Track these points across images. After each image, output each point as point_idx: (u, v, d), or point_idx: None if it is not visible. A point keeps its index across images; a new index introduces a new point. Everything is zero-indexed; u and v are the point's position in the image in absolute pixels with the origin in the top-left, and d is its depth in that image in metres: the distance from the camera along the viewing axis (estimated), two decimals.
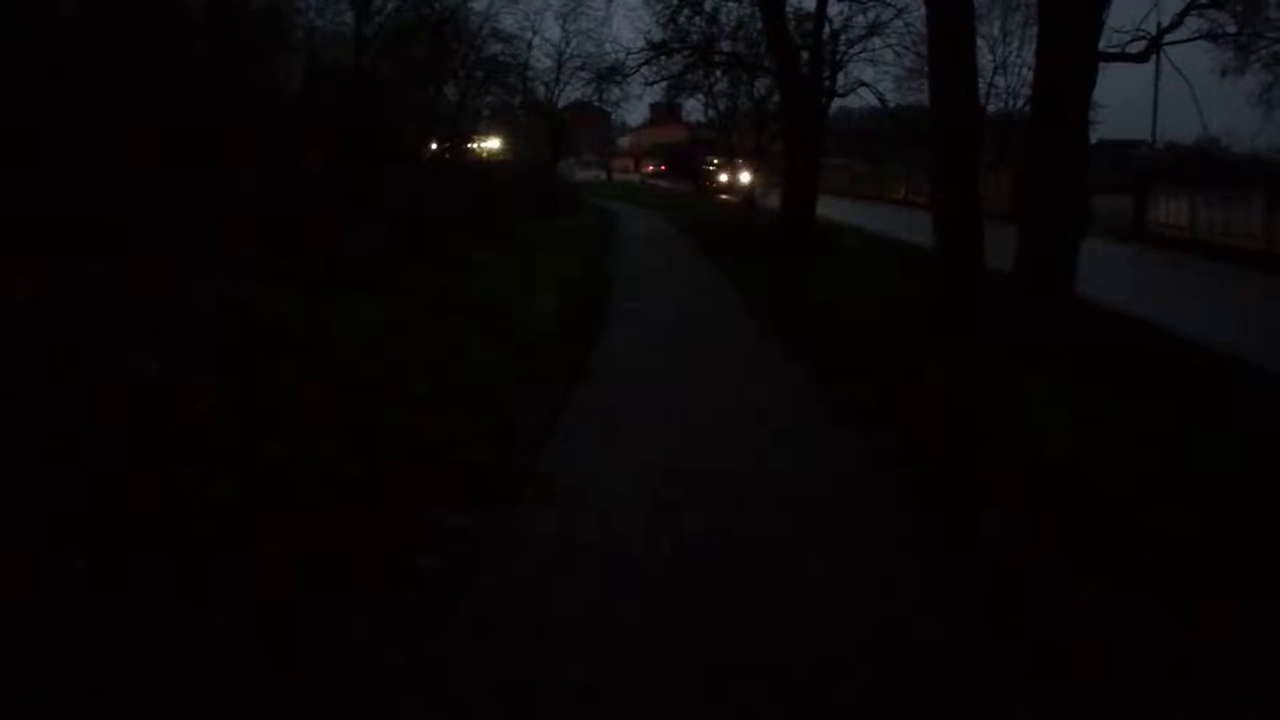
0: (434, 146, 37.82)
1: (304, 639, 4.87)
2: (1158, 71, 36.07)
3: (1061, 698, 4.60)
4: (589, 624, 5.27)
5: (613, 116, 70.21)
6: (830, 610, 5.53)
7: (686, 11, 34.40)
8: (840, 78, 34.11)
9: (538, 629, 5.19)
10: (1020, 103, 47.48)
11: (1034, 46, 15.31)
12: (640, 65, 35.53)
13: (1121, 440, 8.74)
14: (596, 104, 52.78)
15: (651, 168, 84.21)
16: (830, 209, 34.25)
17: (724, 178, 59.60)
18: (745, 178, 53.20)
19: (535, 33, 55.26)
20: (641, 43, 35.18)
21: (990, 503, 7.13)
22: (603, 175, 76.59)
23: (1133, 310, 16.88)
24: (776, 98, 37.47)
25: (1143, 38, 17.88)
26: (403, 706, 4.39)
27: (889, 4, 32.79)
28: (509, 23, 66.19)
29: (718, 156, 61.95)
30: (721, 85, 47.14)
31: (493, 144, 53.29)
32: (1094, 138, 47.95)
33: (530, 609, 5.43)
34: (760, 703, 4.50)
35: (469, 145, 45.37)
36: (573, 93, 50.92)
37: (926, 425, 9.26)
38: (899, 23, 33.73)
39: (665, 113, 76.33)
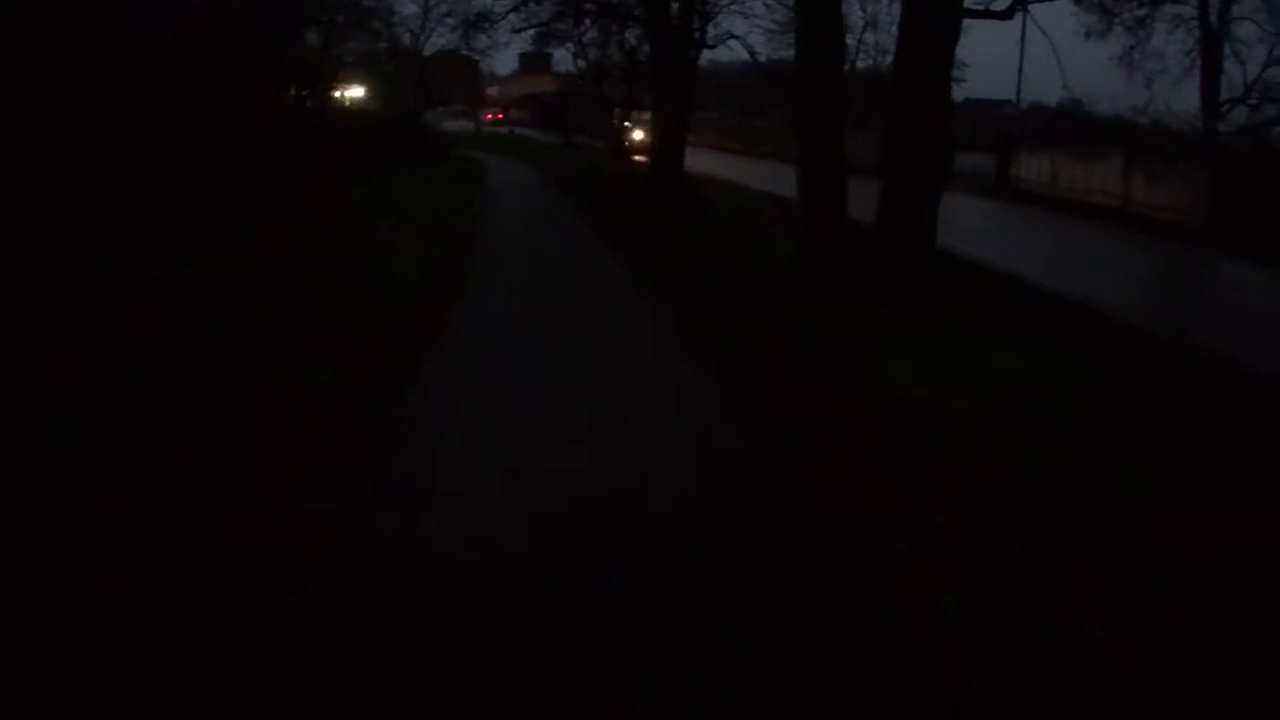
0: (293, 94, 36.62)
1: None
2: (1023, 31, 36.83)
3: None
4: None
5: (481, 66, 69.16)
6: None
7: None
8: (711, 29, 33.97)
9: None
10: (889, 59, 48.03)
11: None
12: (508, 11, 34.79)
13: (929, 367, 9.20)
14: (464, 52, 51.85)
15: (490, 116, 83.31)
16: (699, 162, 34.31)
17: (638, 135, 51.01)
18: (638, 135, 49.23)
19: None
20: None
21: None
22: (471, 125, 75.45)
23: (988, 261, 17.30)
24: (647, 49, 37.21)
25: None
26: None
27: None
28: None
29: (623, 108, 54.53)
30: (592, 35, 46.68)
31: (357, 92, 51.93)
32: (960, 96, 48.89)
33: None
34: None
35: (332, 93, 44.11)
36: (440, 40, 49.90)
37: (765, 355, 9.74)
38: None
39: (535, 63, 75.50)
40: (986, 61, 56.14)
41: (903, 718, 4.13)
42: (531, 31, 39.57)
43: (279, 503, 5.77)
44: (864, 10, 50.96)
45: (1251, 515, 6.11)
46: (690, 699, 4.12)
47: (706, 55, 35.78)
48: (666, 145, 28.63)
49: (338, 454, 6.69)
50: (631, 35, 43.08)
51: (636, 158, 46.94)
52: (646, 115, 48.02)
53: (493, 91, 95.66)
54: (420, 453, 7.14)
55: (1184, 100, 40.22)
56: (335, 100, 45.15)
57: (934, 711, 4.14)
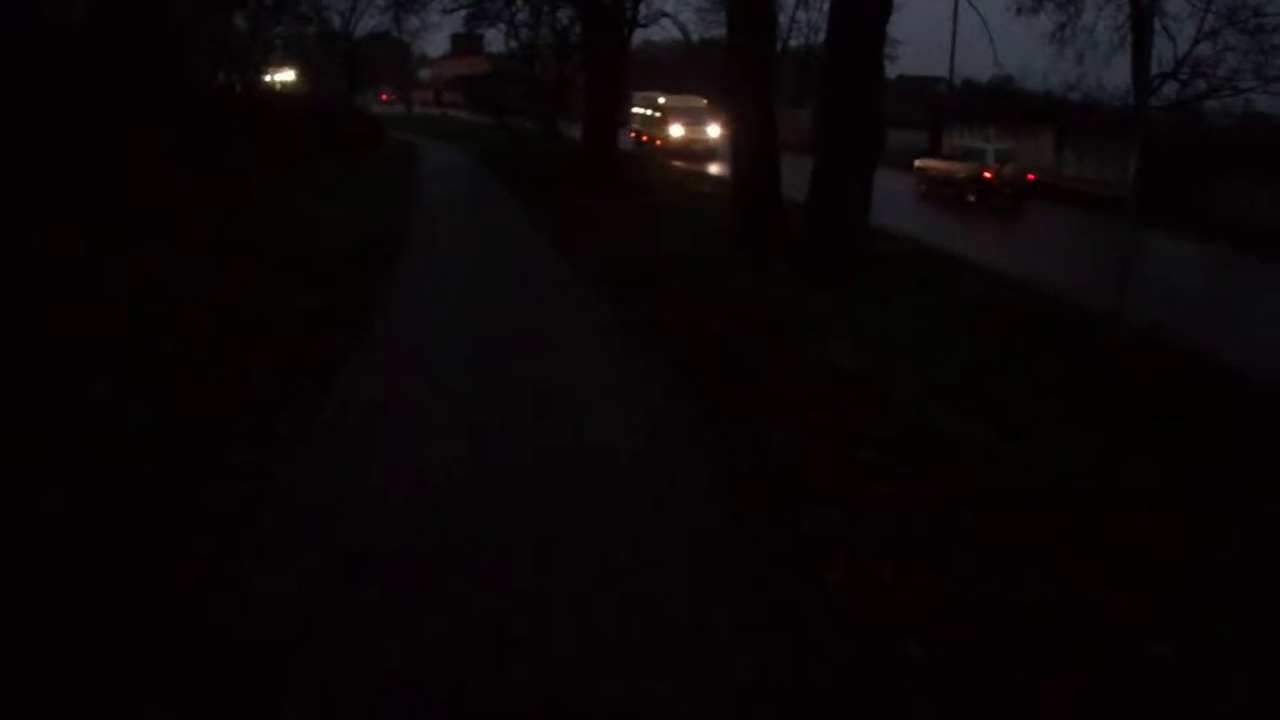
0: (222, 80, 35.96)
1: None
2: (956, 8, 37.16)
3: None
4: None
5: (412, 48, 68.50)
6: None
7: None
8: (642, 8, 33.93)
9: None
10: (822, 36, 47.98)
11: None
12: None
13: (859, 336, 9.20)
14: (395, 35, 51.30)
15: (384, 96, 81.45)
16: (633, 141, 34.27)
17: (679, 131, 42.39)
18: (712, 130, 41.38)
19: None
20: None
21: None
22: (403, 108, 74.64)
23: (920, 238, 17.45)
24: (579, 29, 37.00)
25: None
26: None
27: None
28: None
29: (661, 94, 44.73)
30: (523, 15, 46.33)
31: (287, 76, 51.18)
32: (893, 73, 49.21)
33: None
34: None
35: (261, 78, 43.42)
36: (370, 22, 49.38)
37: (698, 334, 9.74)
38: None
39: (466, 44, 74.81)
40: (920, 39, 56.64)
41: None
42: (462, 12, 39.21)
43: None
44: None
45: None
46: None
47: (639, 34, 35.72)
48: (600, 124, 28.53)
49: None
50: (564, 15, 42.83)
51: (679, 162, 37.44)
52: (679, 102, 43.08)
53: (424, 74, 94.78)
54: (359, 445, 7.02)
55: (1115, 76, 40.85)
56: (265, 85, 44.48)
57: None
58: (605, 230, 17.11)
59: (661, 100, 43.69)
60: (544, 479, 6.27)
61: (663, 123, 42.86)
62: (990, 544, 5.29)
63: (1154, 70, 27.65)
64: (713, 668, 4.20)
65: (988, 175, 27.67)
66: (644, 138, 44.04)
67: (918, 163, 31.17)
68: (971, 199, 27.69)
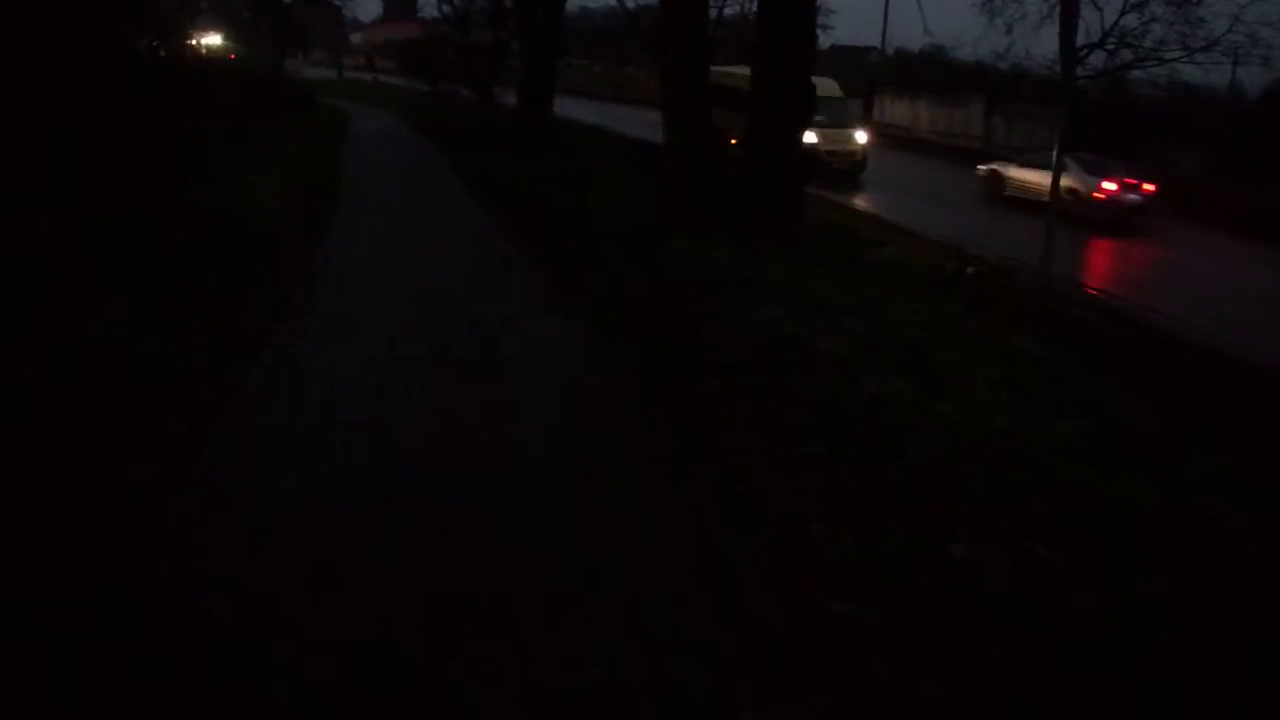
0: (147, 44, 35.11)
1: None
2: None
3: None
4: None
5: (344, 12, 67.52)
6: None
7: None
8: None
9: None
10: (756, 4, 47.94)
11: None
12: None
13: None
14: None
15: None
16: (567, 108, 34.05)
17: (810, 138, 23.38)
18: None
19: None
20: None
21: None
22: (333, 74, 73.58)
23: (854, 205, 17.55)
24: None
25: None
26: None
27: None
28: None
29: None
30: None
31: (214, 40, 50.10)
32: (826, 43, 49.43)
33: None
34: None
35: (187, 42, 42.47)
36: None
37: (633, 301, 9.62)
38: None
39: (400, 8, 73.92)
40: (853, 9, 56.81)
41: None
42: None
43: None
44: None
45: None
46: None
47: (574, 1, 35.41)
48: (534, 89, 28.31)
49: None
50: None
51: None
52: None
53: (356, 39, 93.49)
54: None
55: (1043, 46, 41.18)
56: (192, 50, 43.50)
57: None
58: (540, 198, 16.95)
59: None
60: (472, 439, 6.20)
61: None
62: (922, 501, 5.30)
63: (1081, 40, 28.00)
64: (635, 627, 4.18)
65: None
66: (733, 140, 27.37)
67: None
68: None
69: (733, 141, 22.18)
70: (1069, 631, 4.21)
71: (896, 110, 38.63)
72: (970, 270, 15.21)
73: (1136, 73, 31.38)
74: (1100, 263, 20.24)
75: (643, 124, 30.40)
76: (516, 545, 4.86)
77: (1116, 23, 29.52)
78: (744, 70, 25.23)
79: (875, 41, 43.59)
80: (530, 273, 11.76)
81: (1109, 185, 23.46)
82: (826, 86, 26.56)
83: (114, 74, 18.92)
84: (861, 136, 28.80)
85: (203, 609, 4.17)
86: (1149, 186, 23.87)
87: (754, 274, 10.95)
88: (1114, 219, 23.08)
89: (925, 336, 9.09)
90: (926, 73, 42.62)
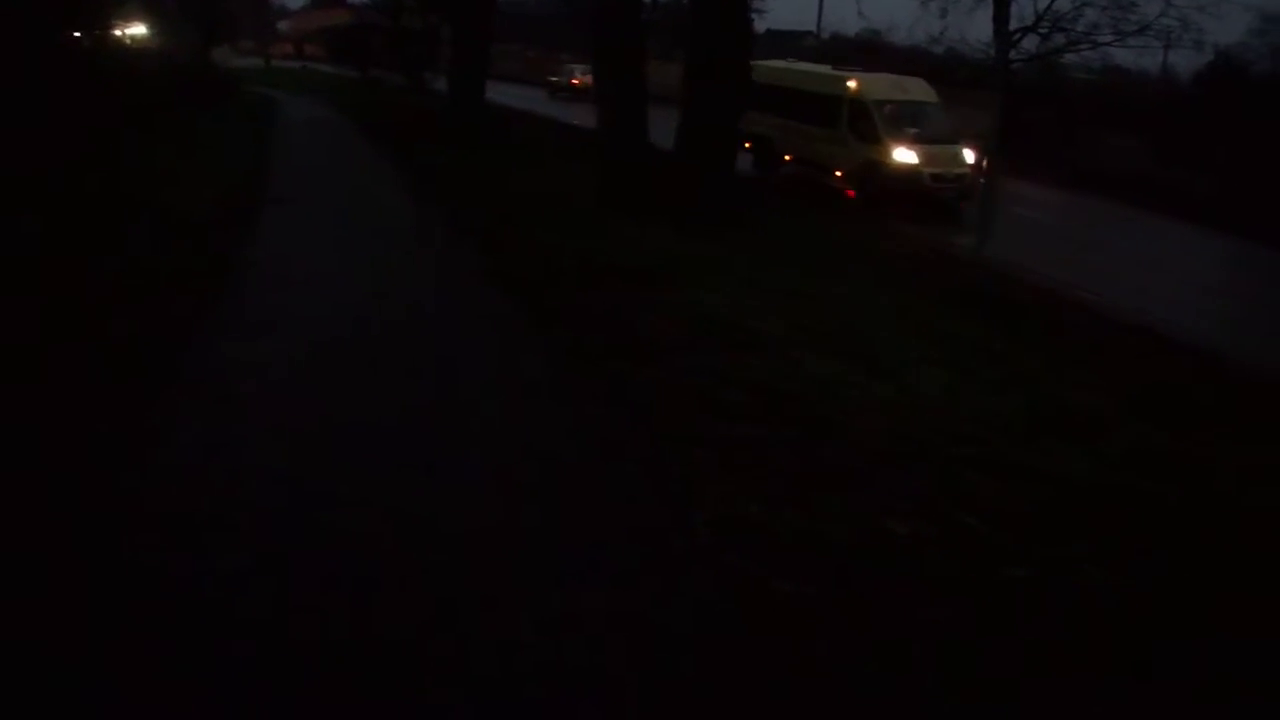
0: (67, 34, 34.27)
1: None
2: None
3: None
4: None
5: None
6: None
7: None
8: None
9: None
10: None
11: None
12: None
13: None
14: None
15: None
16: (500, 94, 33.78)
17: (908, 156, 21.56)
18: None
19: None
20: None
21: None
22: (260, 61, 72.46)
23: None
24: None
25: None
26: None
27: None
28: None
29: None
30: None
31: (138, 30, 49.04)
32: (762, 27, 49.37)
33: None
34: None
35: (111, 32, 41.52)
36: None
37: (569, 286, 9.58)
38: None
39: None
40: None
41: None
42: None
43: None
44: None
45: None
46: None
47: None
48: (466, 75, 28.01)
49: None
50: None
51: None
52: (885, 87, 23.08)
53: (284, 26, 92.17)
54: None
55: (977, 29, 41.49)
56: (116, 39, 42.48)
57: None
58: (475, 185, 16.74)
59: (851, 83, 22.51)
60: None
61: (861, 134, 21.97)
62: (860, 479, 5.29)
63: (1015, 24, 28.22)
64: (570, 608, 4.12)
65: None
66: (786, 156, 23.83)
67: None
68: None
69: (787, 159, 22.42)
70: (1002, 601, 4.24)
71: None
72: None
73: (1070, 56, 31.71)
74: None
75: (578, 110, 30.31)
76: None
77: (1050, 6, 29.78)
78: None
79: (811, 26, 43.77)
80: (463, 260, 11.62)
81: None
82: (918, 89, 22.79)
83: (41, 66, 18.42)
84: (969, 155, 21.42)
85: None
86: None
87: (693, 256, 10.93)
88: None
89: (863, 316, 9.13)
90: (862, 58, 42.83)
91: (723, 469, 5.40)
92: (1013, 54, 24.94)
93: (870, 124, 21.67)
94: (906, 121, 21.84)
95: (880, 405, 6.40)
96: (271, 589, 4.15)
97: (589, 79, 28.43)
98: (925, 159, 20.99)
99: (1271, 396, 10.48)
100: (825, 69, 24.57)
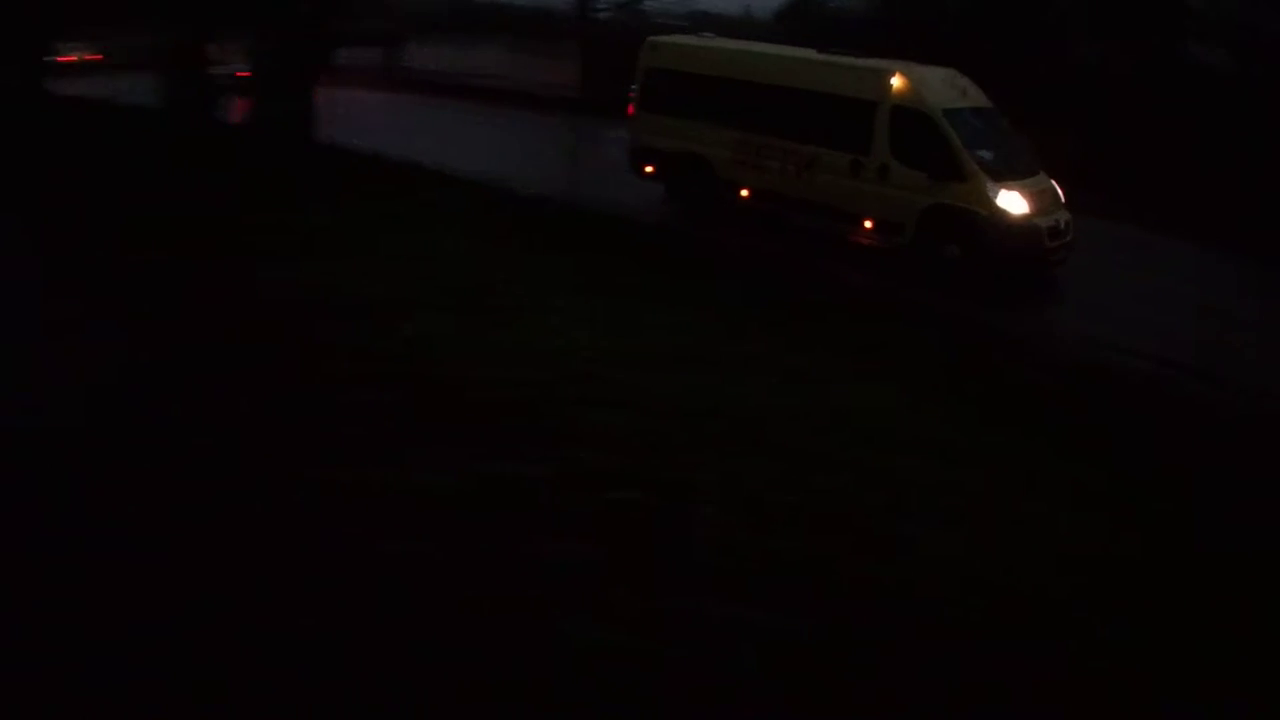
0: None
1: None
2: None
3: None
4: None
5: None
6: None
7: None
8: None
9: None
10: None
11: None
12: None
13: None
14: None
15: None
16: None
17: (1019, 204, 13.10)
18: None
19: None
20: None
21: None
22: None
23: (382, 151, 17.37)
24: None
25: None
26: None
27: None
28: None
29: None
30: None
31: None
32: None
33: None
34: None
35: None
36: None
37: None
38: None
39: None
40: None
41: None
42: None
43: None
44: None
45: None
46: None
47: None
48: None
49: None
50: None
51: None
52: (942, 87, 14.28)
53: None
54: None
55: None
56: None
57: None
58: None
59: (895, 81, 13.86)
60: None
61: (916, 162, 13.59)
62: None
63: None
64: None
65: None
66: (743, 191, 15.13)
67: None
68: None
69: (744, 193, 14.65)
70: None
71: (424, 55, 38.42)
72: None
73: (652, 4, 32.62)
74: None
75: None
76: None
77: None
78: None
79: None
80: None
81: None
82: (972, 88, 14.45)
83: None
84: (1060, 194, 14.02)
85: None
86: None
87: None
88: None
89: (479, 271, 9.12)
90: (452, 17, 42.47)
91: None
92: (598, 4, 25.72)
93: (943, 149, 13.42)
94: (983, 143, 13.78)
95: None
96: None
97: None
98: (1035, 204, 13.32)
99: None
100: (845, 58, 14.81)
